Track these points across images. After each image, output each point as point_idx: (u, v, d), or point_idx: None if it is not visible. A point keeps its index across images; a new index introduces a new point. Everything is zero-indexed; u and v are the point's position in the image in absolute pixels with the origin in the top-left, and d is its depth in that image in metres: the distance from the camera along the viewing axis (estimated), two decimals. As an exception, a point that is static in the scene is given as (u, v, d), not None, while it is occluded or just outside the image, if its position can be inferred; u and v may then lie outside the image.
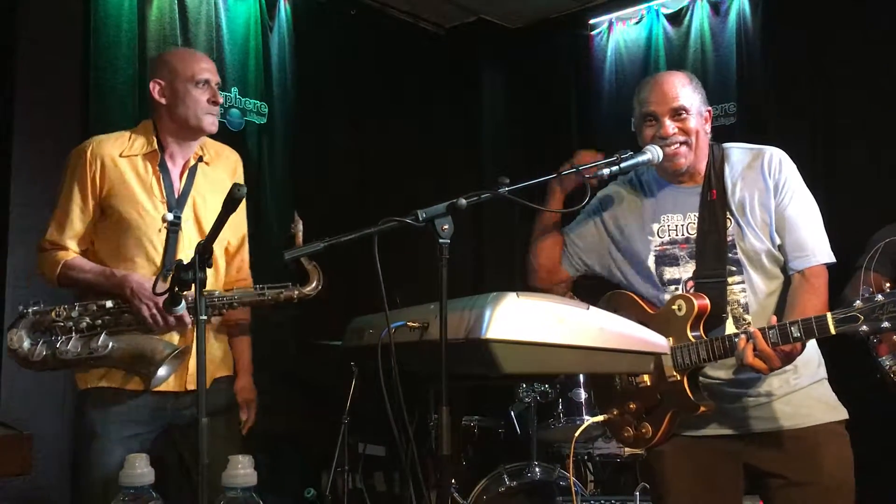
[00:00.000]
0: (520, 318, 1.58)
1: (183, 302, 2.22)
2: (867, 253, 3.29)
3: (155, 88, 2.44)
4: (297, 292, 2.36)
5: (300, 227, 2.26)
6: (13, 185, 3.44)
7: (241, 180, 2.57)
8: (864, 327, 1.80)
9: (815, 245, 2.10)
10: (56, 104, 3.61)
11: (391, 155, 5.05)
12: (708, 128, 2.22)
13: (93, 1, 3.79)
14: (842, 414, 2.13)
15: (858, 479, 2.08)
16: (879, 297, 1.78)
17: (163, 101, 2.43)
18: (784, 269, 2.13)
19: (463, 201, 1.74)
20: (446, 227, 1.70)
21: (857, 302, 1.80)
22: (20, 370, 2.37)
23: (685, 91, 2.16)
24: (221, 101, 2.48)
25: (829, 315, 1.84)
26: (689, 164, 2.17)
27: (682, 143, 2.15)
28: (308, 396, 4.53)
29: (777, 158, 2.16)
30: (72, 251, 2.39)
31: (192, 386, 2.37)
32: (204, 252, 1.76)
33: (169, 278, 1.88)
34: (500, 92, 5.68)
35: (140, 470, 1.37)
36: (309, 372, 4.48)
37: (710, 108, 2.25)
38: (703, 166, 2.20)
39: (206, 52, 4.23)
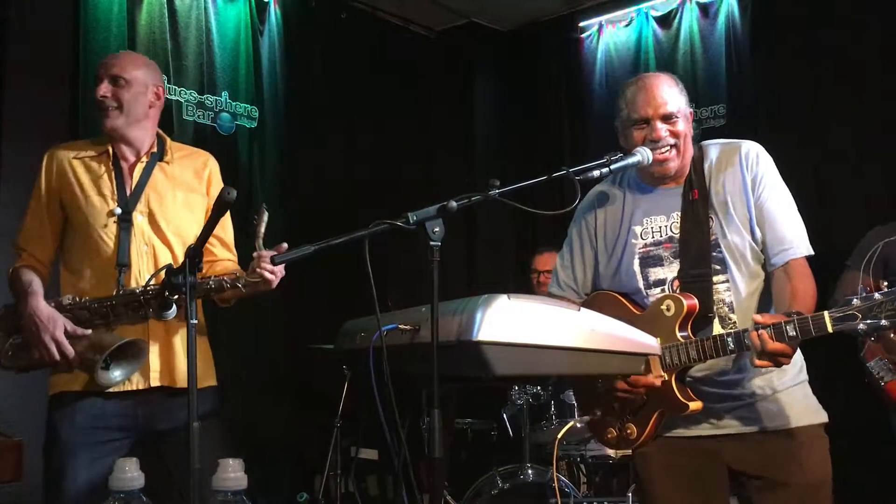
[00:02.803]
0: (511, 320, 1.58)
1: (174, 306, 2.22)
2: (858, 253, 3.29)
3: None
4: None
5: (264, 218, 2.24)
6: (1, 188, 3.43)
7: (215, 179, 2.55)
8: (863, 325, 1.76)
9: (794, 237, 2.09)
10: (45, 107, 3.61)
11: (383, 159, 5.04)
12: (690, 129, 2.23)
13: (82, 4, 3.80)
14: (822, 417, 2.12)
15: (835, 482, 2.07)
16: (877, 295, 1.76)
17: None
18: (765, 266, 2.12)
19: (453, 204, 1.74)
20: (437, 229, 1.70)
21: (855, 300, 1.77)
22: (9, 376, 2.36)
23: (673, 94, 2.17)
24: (105, 94, 2.39)
25: (826, 313, 1.81)
26: (676, 168, 2.18)
27: (671, 147, 2.15)
28: (300, 400, 4.53)
29: (754, 152, 2.16)
30: (25, 258, 2.43)
31: (155, 382, 2.32)
32: (194, 256, 1.76)
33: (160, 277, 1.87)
34: (492, 95, 5.69)
35: (130, 474, 1.36)
36: (301, 376, 4.48)
37: (692, 109, 2.25)
38: (685, 167, 2.20)
39: (196, 56, 4.23)
